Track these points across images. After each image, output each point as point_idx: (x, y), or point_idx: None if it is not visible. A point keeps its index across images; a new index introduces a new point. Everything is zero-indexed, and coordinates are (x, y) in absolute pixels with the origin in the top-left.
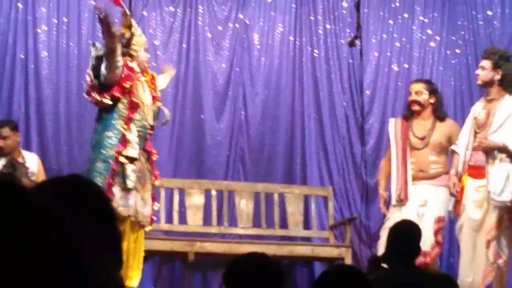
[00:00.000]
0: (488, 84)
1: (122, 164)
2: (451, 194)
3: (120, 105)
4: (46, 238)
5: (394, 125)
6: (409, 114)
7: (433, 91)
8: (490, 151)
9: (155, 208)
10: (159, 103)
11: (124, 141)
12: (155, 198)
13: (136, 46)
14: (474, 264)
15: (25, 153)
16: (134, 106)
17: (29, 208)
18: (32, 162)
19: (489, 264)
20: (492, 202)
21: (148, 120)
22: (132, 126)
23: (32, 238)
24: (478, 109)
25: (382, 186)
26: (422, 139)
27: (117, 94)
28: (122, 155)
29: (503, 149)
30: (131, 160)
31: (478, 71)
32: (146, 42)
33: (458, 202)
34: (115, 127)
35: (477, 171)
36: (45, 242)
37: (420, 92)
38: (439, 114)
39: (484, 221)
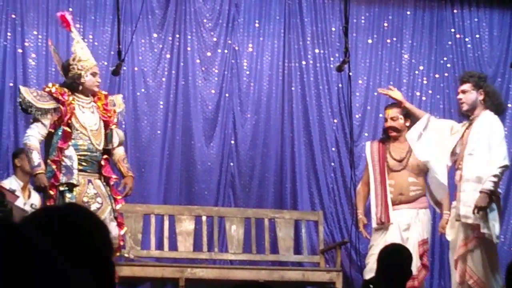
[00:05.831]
0: (473, 106)
1: (62, 192)
2: None
3: (54, 138)
4: (32, 274)
5: (370, 148)
6: (386, 137)
7: (407, 114)
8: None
9: (122, 233)
10: (113, 126)
11: (56, 174)
12: (122, 223)
13: (81, 71)
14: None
15: (31, 189)
16: (67, 135)
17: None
18: (36, 200)
19: (456, 286)
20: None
21: (95, 145)
22: (69, 152)
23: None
24: (461, 131)
25: (360, 210)
26: (400, 161)
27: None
28: (62, 184)
29: (490, 195)
30: (71, 186)
31: (460, 96)
32: (95, 66)
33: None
34: (48, 163)
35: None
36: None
37: (395, 118)
38: None
39: (457, 241)
